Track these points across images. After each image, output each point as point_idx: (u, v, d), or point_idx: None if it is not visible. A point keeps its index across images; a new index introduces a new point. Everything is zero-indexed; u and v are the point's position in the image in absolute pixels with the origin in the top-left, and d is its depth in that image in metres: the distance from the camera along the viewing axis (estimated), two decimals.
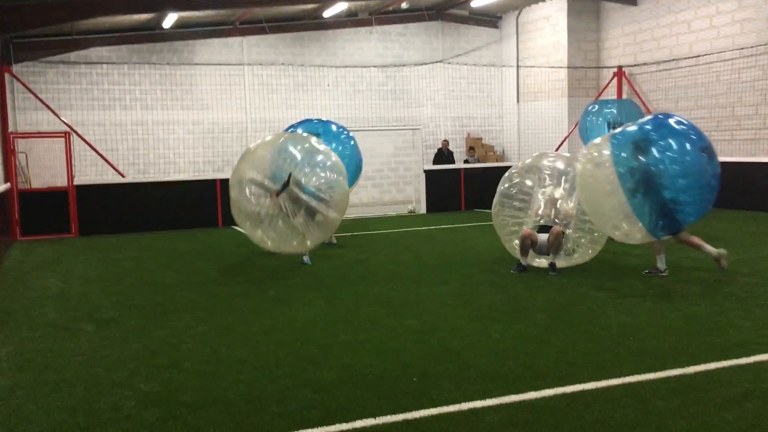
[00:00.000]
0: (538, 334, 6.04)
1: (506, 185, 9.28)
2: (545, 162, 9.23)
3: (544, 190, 8.96)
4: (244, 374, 5.15)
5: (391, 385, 4.84)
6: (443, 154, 18.52)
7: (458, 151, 21.14)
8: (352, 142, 11.70)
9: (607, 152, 7.96)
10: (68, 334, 6.56)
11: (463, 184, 16.92)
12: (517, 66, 20.67)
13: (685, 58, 16.40)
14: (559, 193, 8.89)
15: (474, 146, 19.92)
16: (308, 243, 9.44)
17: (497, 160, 20.49)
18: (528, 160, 9.46)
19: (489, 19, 21.42)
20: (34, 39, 17.04)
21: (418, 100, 21.06)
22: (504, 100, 21.56)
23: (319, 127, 11.65)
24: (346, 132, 11.83)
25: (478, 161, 19.04)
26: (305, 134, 10.44)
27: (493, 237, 10.10)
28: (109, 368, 5.42)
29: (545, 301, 7.28)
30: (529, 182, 9.16)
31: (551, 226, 8.74)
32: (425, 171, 16.65)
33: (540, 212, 8.89)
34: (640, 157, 7.75)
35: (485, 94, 21.58)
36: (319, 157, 9.48)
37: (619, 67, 17.90)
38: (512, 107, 21.13)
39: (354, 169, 11.40)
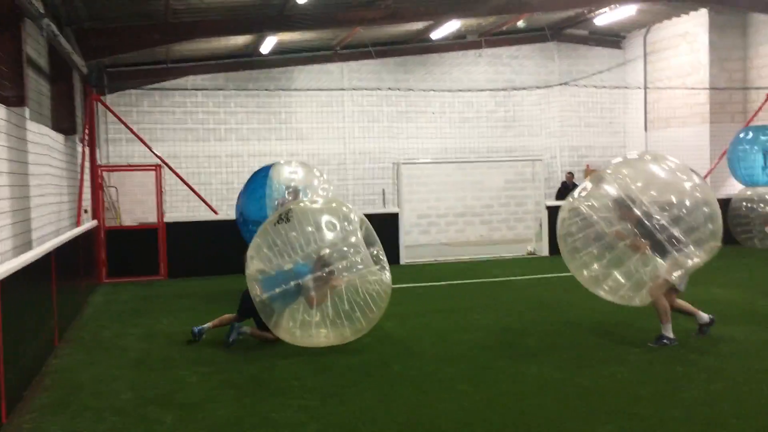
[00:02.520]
0: None
1: None
2: None
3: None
4: None
5: None
6: (568, 188, 16.44)
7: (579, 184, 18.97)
8: None
9: None
10: (140, 427, 5.01)
11: None
12: (645, 88, 18.42)
13: None
14: None
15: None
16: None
17: None
18: None
19: (612, 38, 19.33)
20: (129, 68, 16.29)
21: (531, 129, 19.13)
22: (628, 128, 19.30)
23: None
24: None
25: None
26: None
27: None
28: None
29: None
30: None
31: None
32: (548, 207, 14.62)
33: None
34: None
35: (607, 121, 19.40)
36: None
37: None
38: (639, 135, 18.84)
39: None
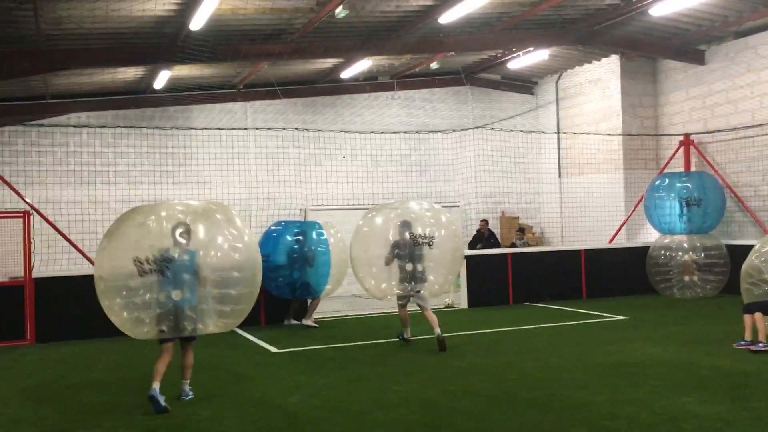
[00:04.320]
0: None
1: None
2: None
3: None
4: None
5: None
6: (483, 237, 15.71)
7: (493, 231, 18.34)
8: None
9: None
10: None
11: (510, 273, 14.02)
12: (558, 133, 18.13)
13: None
14: None
15: (524, 227, 17.13)
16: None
17: (537, 243, 17.69)
18: None
19: (524, 84, 19.06)
20: (1, 103, 14.48)
21: (446, 174, 18.43)
22: (543, 174, 18.94)
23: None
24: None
25: (527, 245, 16.20)
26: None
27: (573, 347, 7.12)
28: None
29: None
30: None
31: None
32: (466, 257, 13.75)
33: None
34: None
35: (521, 167, 18.96)
36: None
37: (686, 135, 15.33)
38: (553, 181, 18.48)
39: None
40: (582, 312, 12.44)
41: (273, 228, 12.07)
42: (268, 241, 11.67)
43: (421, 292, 9.28)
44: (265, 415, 6.39)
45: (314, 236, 11.62)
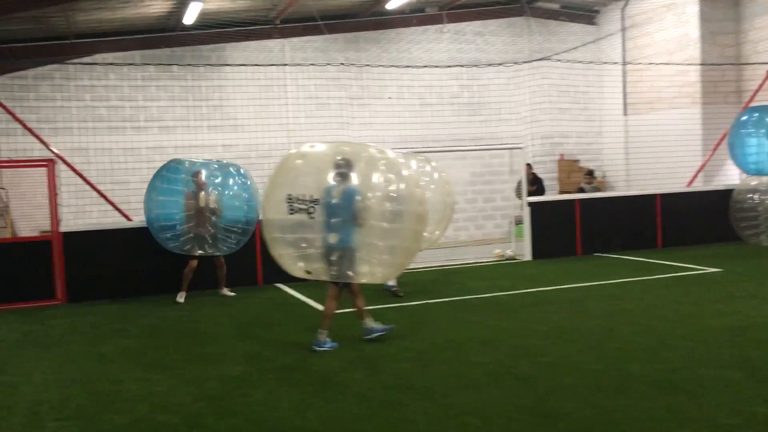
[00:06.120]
0: None
1: None
2: None
3: None
4: None
5: None
6: (537, 181, 14.29)
7: (550, 176, 16.97)
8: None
9: None
10: None
11: (578, 221, 12.71)
12: (624, 66, 16.47)
13: None
14: None
15: (592, 170, 15.65)
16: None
17: (600, 188, 16.26)
18: None
19: (585, 13, 17.35)
20: (24, 44, 13.42)
21: (499, 114, 16.99)
22: (605, 113, 17.37)
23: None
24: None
25: (597, 189, 14.80)
26: None
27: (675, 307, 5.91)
28: None
29: None
30: None
31: None
32: (530, 204, 12.48)
33: None
34: None
35: (581, 106, 17.41)
36: None
37: None
38: (617, 121, 16.92)
39: None
40: (665, 264, 11.13)
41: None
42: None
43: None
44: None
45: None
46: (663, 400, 4.89)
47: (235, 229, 9.76)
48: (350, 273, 6.39)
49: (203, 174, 9.62)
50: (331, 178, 6.35)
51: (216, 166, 9.93)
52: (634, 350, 6.19)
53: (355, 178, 6.34)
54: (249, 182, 9.99)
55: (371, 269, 6.42)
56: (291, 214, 6.32)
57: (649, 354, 6.04)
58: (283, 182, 6.49)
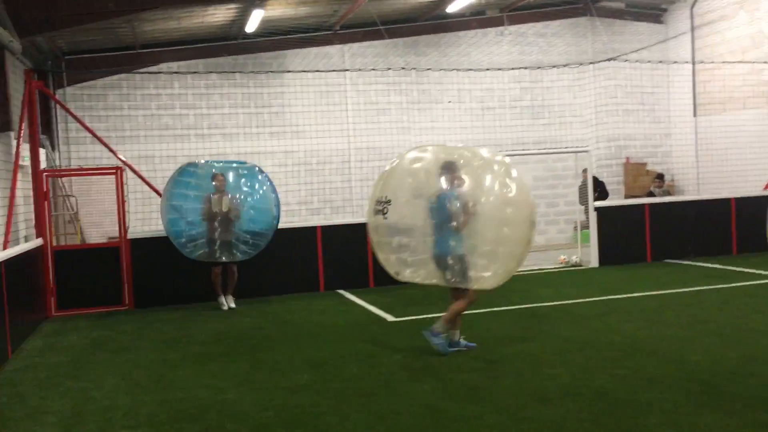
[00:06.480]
0: None
1: None
2: None
3: None
4: None
5: None
6: (586, 187, 13.79)
7: (616, 180, 16.51)
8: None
9: None
10: None
11: (648, 226, 12.27)
12: (693, 63, 15.85)
13: None
14: None
15: (662, 174, 15.10)
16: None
17: (670, 192, 15.70)
18: None
19: (651, 12, 16.82)
20: (92, 55, 13.79)
21: (562, 117, 16.61)
22: (673, 115, 16.79)
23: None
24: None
25: (667, 193, 14.30)
26: None
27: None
28: None
29: None
30: None
31: None
32: (597, 209, 12.11)
33: None
34: None
35: (648, 107, 16.87)
36: None
37: None
38: (686, 122, 16.31)
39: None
40: (743, 271, 10.62)
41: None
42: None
43: None
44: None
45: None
46: (757, 418, 4.58)
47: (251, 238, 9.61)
48: (462, 278, 6.24)
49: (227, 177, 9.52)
50: (441, 181, 6.27)
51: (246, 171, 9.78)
52: (719, 363, 5.86)
53: (467, 183, 6.19)
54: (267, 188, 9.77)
55: (483, 274, 6.22)
56: (383, 216, 6.35)
57: (737, 368, 5.71)
58: (397, 185, 6.46)
